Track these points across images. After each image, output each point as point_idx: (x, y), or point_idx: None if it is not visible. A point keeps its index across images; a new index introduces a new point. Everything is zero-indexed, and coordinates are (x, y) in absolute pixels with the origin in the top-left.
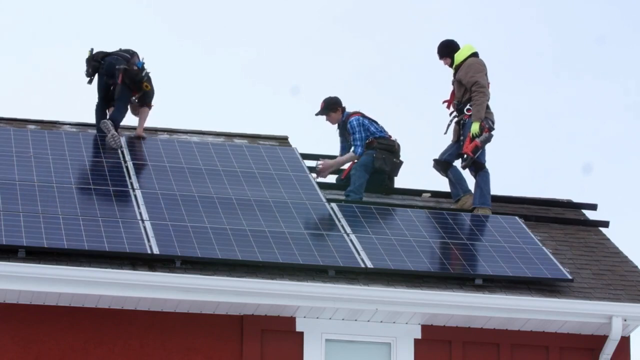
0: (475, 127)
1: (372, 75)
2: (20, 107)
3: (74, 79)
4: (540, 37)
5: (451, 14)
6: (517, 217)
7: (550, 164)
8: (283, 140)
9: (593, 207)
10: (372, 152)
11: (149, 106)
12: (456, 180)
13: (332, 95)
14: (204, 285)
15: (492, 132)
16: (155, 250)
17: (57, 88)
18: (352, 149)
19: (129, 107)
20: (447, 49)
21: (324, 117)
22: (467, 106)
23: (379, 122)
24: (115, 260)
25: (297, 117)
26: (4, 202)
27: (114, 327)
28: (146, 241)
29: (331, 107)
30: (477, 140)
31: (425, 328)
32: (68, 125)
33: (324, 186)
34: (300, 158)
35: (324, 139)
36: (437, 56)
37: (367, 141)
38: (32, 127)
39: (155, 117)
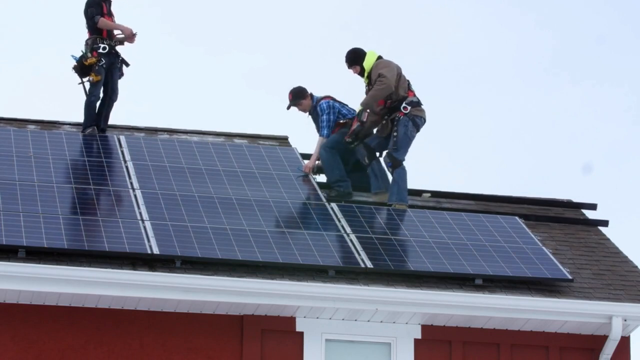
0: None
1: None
2: (20, 107)
3: (74, 79)
4: (541, 38)
5: (453, 16)
6: (517, 217)
7: (550, 164)
8: (283, 140)
9: (593, 207)
10: (345, 130)
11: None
12: (380, 174)
13: (297, 85)
14: (204, 285)
15: (362, 125)
16: (155, 250)
17: (57, 88)
18: (319, 132)
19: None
20: (356, 56)
21: (296, 108)
22: (404, 104)
23: (349, 105)
24: (115, 260)
25: (297, 117)
26: (4, 202)
27: (114, 327)
28: (146, 241)
29: (300, 95)
30: (354, 127)
31: (425, 328)
32: (68, 125)
33: (324, 186)
34: (301, 158)
35: None
36: (345, 65)
37: (342, 122)
38: (32, 127)
39: (156, 117)
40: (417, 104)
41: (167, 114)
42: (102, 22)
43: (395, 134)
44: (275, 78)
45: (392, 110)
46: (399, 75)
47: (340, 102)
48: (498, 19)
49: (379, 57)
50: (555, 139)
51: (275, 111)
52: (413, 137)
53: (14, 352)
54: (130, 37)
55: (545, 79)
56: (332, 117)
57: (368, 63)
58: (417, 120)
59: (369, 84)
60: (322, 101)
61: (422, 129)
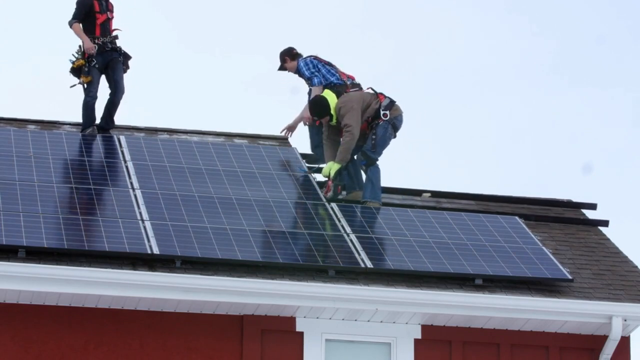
0: (331, 168)
1: (377, 82)
2: (20, 107)
3: (74, 79)
4: (541, 40)
5: (454, 19)
6: (517, 217)
7: (550, 164)
8: (283, 140)
9: (593, 206)
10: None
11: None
12: (354, 174)
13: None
14: (204, 285)
15: (343, 191)
16: (156, 250)
17: (57, 88)
18: (310, 85)
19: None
20: (322, 109)
21: (285, 71)
22: (381, 112)
23: (334, 64)
24: (115, 260)
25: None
26: (4, 202)
27: (114, 327)
28: (146, 241)
29: (280, 58)
30: (330, 185)
31: (425, 328)
32: (68, 125)
33: (323, 186)
34: (301, 158)
35: None
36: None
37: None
38: (32, 127)
39: (156, 117)
40: (391, 104)
41: (167, 114)
42: (74, 27)
43: (374, 136)
44: (275, 79)
45: (375, 117)
46: (363, 101)
47: (324, 61)
48: (499, 21)
49: (338, 93)
50: (555, 139)
51: (275, 112)
52: (391, 139)
53: (14, 352)
54: (89, 49)
55: (546, 79)
56: (312, 69)
57: (333, 106)
58: (396, 123)
59: (340, 126)
60: (300, 60)
61: (416, 129)
